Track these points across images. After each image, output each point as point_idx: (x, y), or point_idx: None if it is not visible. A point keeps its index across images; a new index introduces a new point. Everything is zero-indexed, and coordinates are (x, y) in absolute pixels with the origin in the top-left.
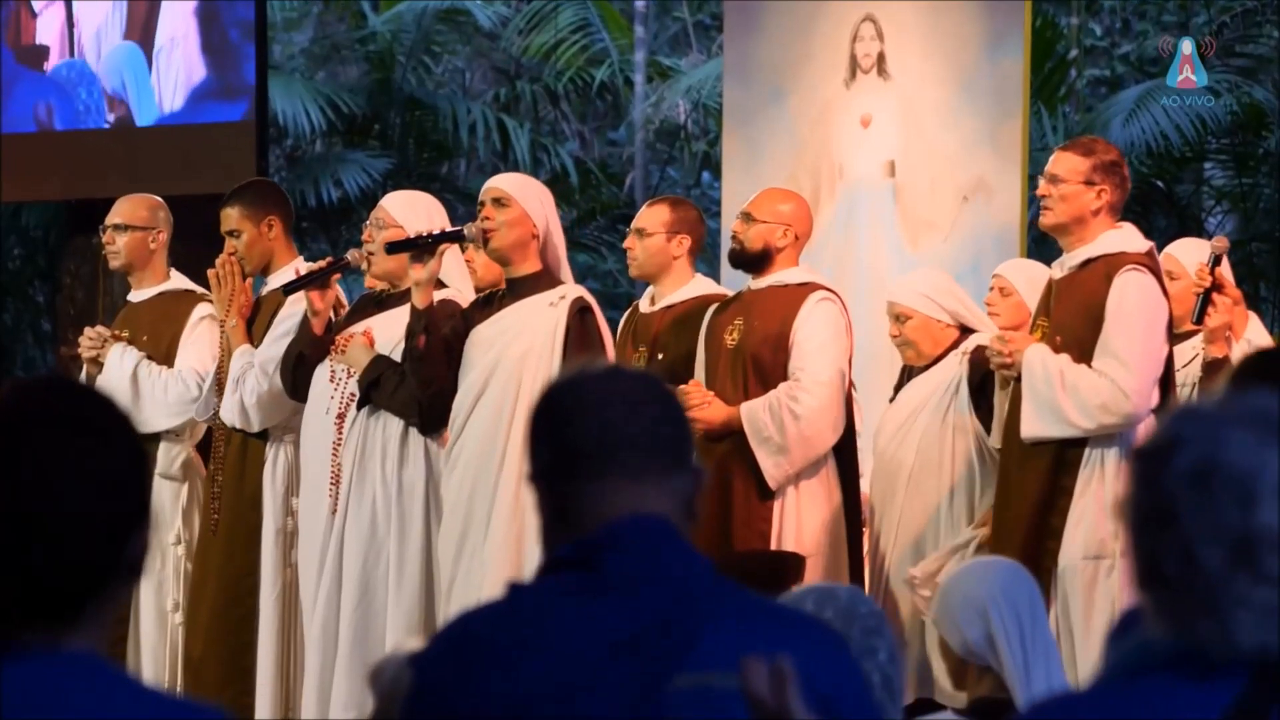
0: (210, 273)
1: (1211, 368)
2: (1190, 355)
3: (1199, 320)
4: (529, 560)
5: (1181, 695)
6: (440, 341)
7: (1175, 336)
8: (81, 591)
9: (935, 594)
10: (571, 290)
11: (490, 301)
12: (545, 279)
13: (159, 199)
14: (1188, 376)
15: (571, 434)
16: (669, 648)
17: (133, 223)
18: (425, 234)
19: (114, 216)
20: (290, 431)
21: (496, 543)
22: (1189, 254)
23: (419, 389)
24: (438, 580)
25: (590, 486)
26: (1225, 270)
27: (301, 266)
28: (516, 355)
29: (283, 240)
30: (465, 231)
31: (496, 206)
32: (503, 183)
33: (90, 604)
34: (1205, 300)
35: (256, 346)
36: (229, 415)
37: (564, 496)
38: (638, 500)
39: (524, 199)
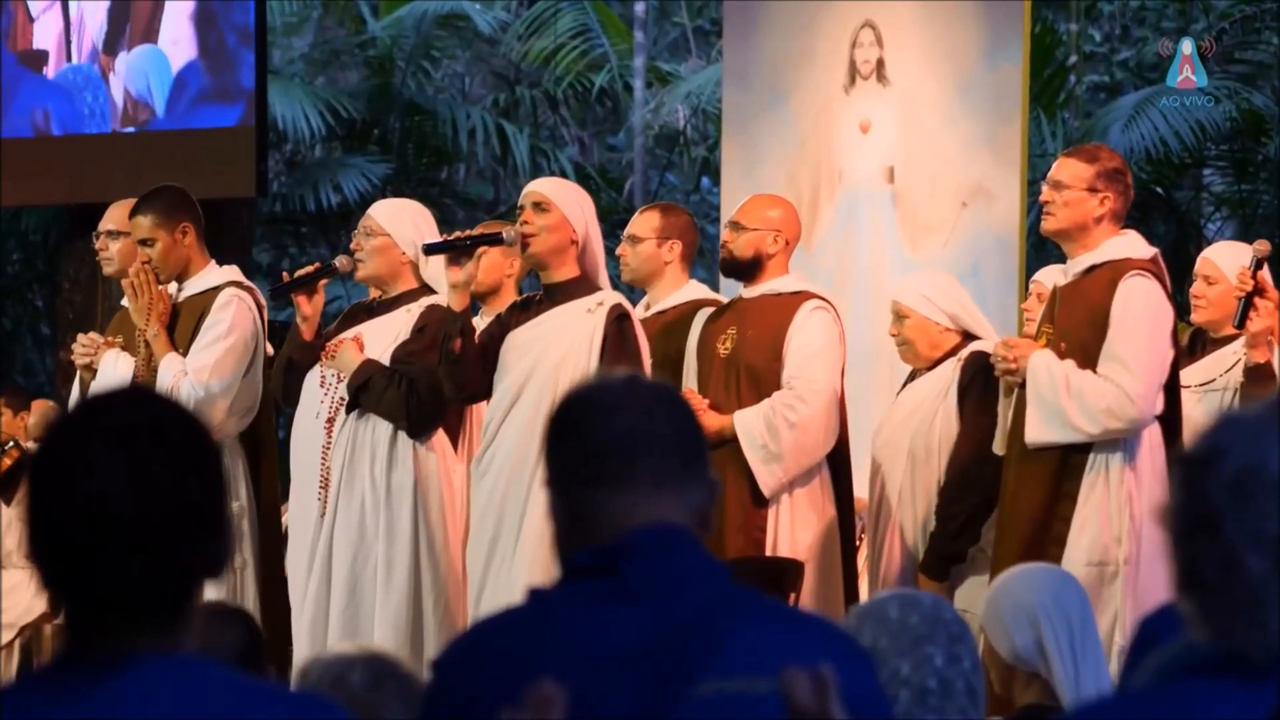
0: (125, 282)
1: (1253, 373)
2: (1232, 360)
3: (1240, 325)
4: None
5: (1224, 699)
6: (476, 346)
7: (1216, 341)
8: (182, 595)
9: (985, 600)
10: (609, 297)
11: (528, 305)
12: (583, 285)
13: None
14: (1229, 381)
15: (590, 441)
16: (691, 654)
17: (125, 229)
18: (463, 236)
19: (106, 223)
20: (224, 436)
21: (528, 550)
22: (1228, 258)
23: (454, 393)
24: (424, 584)
25: (607, 495)
26: (1266, 274)
27: (225, 272)
28: (553, 361)
29: (196, 247)
30: (504, 235)
31: (537, 211)
32: (543, 187)
33: (188, 606)
34: (1247, 304)
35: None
36: None
37: (580, 504)
38: (655, 510)
39: (564, 204)
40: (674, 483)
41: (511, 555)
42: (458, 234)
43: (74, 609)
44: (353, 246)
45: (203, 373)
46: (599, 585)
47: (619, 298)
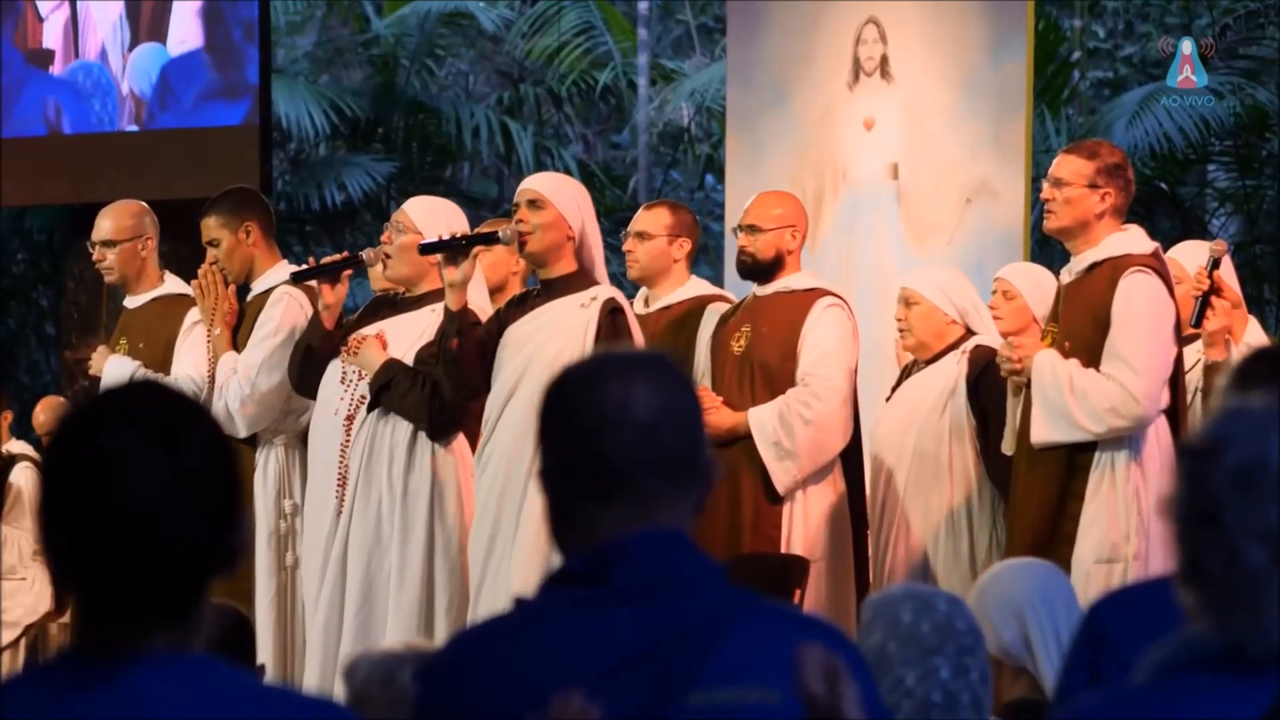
0: (193, 284)
1: (1211, 371)
2: (1194, 360)
3: (1197, 323)
4: (558, 563)
5: (1224, 692)
6: (474, 344)
7: (1181, 340)
8: (195, 592)
9: (972, 594)
10: (603, 291)
11: (524, 300)
12: (580, 279)
13: (141, 204)
14: (1191, 381)
15: (591, 458)
16: (684, 660)
17: (119, 237)
18: (459, 236)
19: (100, 233)
20: (280, 434)
21: (526, 545)
22: (1190, 257)
23: (453, 393)
24: (438, 588)
25: (605, 509)
26: (1226, 273)
27: (291, 268)
28: (548, 357)
29: (262, 245)
30: (501, 235)
31: (532, 209)
32: (538, 184)
33: (199, 604)
34: (1204, 303)
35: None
36: None
37: (575, 515)
38: (652, 517)
39: (559, 200)
40: (673, 494)
41: (510, 548)
42: (454, 234)
43: (86, 604)
44: (382, 239)
45: (250, 370)
46: (589, 591)
47: (613, 291)
